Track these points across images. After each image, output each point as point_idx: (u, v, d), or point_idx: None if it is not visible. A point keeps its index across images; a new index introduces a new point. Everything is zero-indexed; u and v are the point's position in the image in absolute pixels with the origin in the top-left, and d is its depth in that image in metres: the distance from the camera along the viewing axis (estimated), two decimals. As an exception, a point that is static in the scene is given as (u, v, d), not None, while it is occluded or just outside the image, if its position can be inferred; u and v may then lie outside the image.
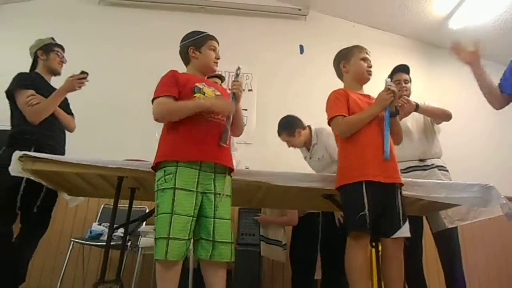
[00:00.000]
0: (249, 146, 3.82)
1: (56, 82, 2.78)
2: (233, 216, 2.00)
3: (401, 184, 2.12)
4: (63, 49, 2.86)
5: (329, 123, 2.20)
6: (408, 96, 2.76)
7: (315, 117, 3.26)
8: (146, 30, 4.82)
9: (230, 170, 1.99)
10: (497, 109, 2.45)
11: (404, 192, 2.15)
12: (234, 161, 2.07)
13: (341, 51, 2.36)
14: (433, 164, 2.76)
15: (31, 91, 2.54)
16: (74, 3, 4.90)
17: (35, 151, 2.32)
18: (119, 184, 2.27)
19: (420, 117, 2.85)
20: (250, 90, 4.61)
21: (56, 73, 2.80)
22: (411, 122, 2.85)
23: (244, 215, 3.56)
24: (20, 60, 2.83)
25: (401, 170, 2.62)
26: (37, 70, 2.76)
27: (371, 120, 2.10)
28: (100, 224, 3.60)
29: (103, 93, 3.96)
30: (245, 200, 2.76)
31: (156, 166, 1.92)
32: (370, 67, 2.26)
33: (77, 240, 3.42)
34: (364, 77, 2.27)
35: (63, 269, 3.37)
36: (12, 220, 2.47)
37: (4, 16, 4.77)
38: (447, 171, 2.79)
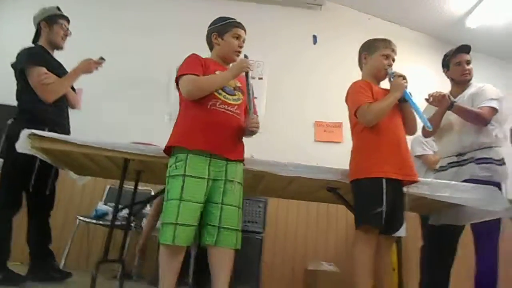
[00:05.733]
0: (257, 135, 3.80)
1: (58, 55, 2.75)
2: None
3: (411, 182, 2.10)
4: (68, 20, 2.74)
5: (355, 114, 2.10)
6: (470, 80, 2.57)
7: (325, 108, 3.27)
8: (158, 17, 4.79)
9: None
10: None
11: (410, 190, 2.14)
12: None
13: (368, 40, 2.29)
14: (472, 158, 2.41)
15: (44, 69, 2.52)
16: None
17: (50, 130, 2.34)
18: (125, 167, 2.29)
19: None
20: (260, 78, 4.59)
21: (58, 47, 2.72)
22: (454, 115, 2.47)
23: (248, 203, 3.60)
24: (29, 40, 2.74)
25: (440, 167, 2.57)
26: (40, 43, 2.67)
27: (387, 117, 2.05)
28: (105, 204, 3.64)
29: (114, 76, 3.98)
30: (248, 189, 2.77)
31: (168, 151, 1.93)
32: (390, 65, 2.17)
33: (82, 218, 3.48)
34: (380, 74, 2.20)
35: (68, 246, 3.45)
36: (21, 198, 2.50)
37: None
38: (490, 163, 2.37)
